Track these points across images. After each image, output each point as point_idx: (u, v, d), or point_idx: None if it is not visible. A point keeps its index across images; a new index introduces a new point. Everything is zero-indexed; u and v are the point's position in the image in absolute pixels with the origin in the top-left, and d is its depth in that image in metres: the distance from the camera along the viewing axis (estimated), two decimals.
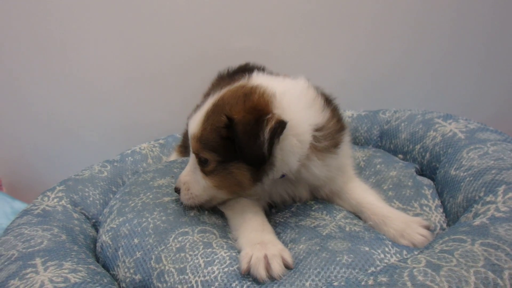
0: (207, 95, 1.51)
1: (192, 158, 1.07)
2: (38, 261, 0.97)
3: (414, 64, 2.10)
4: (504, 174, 0.93)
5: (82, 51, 1.88)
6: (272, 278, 0.81)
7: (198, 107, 1.56)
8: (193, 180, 1.06)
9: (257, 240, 0.89)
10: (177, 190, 1.12)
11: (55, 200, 1.34)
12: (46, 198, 1.34)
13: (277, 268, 0.81)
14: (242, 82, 1.05)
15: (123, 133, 2.07)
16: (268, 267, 0.81)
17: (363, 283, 0.67)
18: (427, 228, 0.96)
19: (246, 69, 1.52)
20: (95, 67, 1.92)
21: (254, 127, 0.88)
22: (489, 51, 2.12)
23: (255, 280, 0.81)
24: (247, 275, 0.83)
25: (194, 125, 1.01)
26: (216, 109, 0.98)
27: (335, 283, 0.71)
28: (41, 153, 2.03)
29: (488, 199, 0.88)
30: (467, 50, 2.10)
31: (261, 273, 0.80)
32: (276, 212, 1.15)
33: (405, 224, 0.96)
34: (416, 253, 0.82)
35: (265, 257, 0.82)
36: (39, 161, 2.05)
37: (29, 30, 1.81)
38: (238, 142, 0.90)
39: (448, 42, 2.07)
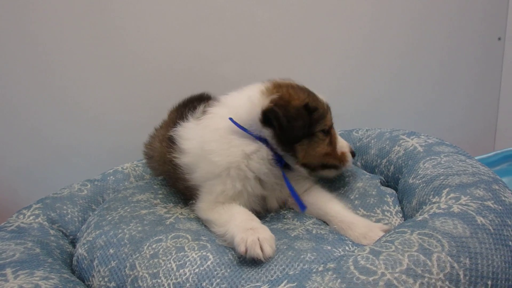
0: (171, 122, 1.67)
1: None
2: (8, 271, 1.02)
3: (396, 89, 2.34)
4: (450, 179, 1.09)
5: (68, 74, 2.00)
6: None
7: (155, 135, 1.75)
8: None
9: (248, 226, 1.04)
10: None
11: (31, 217, 1.38)
12: (21, 216, 1.39)
13: (268, 250, 0.97)
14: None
15: (107, 156, 2.15)
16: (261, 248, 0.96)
17: (314, 270, 0.80)
18: (387, 231, 1.10)
19: (202, 98, 1.73)
20: (81, 89, 2.04)
21: None
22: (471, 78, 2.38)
23: (249, 260, 0.96)
24: (216, 273, 0.96)
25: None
26: None
27: (291, 272, 0.83)
28: (21, 175, 2.09)
29: (434, 200, 1.03)
30: (447, 74, 2.36)
31: (258, 252, 0.95)
32: None
33: (368, 228, 1.12)
34: None
35: (258, 239, 0.97)
36: (20, 184, 2.10)
37: (22, 56, 1.94)
38: None
39: (431, 67, 2.33)
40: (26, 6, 1.88)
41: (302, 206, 1.19)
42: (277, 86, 1.24)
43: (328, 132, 1.27)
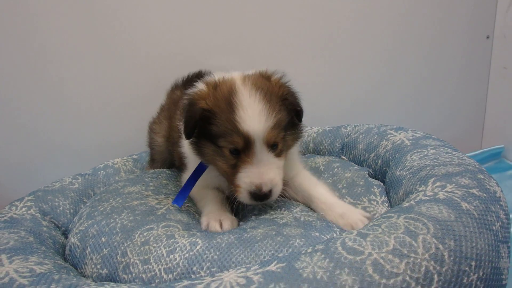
0: (170, 106, 1.74)
1: (259, 155, 1.12)
2: (3, 256, 1.02)
3: (387, 89, 2.37)
4: (436, 169, 1.10)
5: (58, 71, 2.00)
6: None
7: (160, 116, 1.81)
8: (276, 171, 1.15)
9: (216, 216, 1.20)
10: (267, 195, 1.13)
11: (24, 209, 1.38)
12: (14, 208, 1.39)
13: (226, 225, 1.16)
14: (253, 72, 1.28)
15: (97, 152, 2.14)
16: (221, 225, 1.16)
17: (303, 251, 0.80)
18: (370, 220, 1.11)
19: (200, 76, 1.72)
20: (69, 84, 2.03)
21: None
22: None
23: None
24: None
25: (259, 121, 1.10)
26: (267, 96, 1.14)
27: (280, 254, 0.84)
28: (11, 171, 2.07)
29: (420, 189, 1.05)
30: (439, 74, 2.40)
31: (216, 227, 1.15)
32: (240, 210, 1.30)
33: (347, 209, 1.15)
34: None
35: (219, 220, 1.17)
36: (9, 180, 2.08)
37: (10, 53, 1.94)
38: (301, 111, 1.25)
39: (420, 66, 2.37)
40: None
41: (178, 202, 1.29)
42: (218, 85, 1.20)
43: (238, 155, 1.15)
